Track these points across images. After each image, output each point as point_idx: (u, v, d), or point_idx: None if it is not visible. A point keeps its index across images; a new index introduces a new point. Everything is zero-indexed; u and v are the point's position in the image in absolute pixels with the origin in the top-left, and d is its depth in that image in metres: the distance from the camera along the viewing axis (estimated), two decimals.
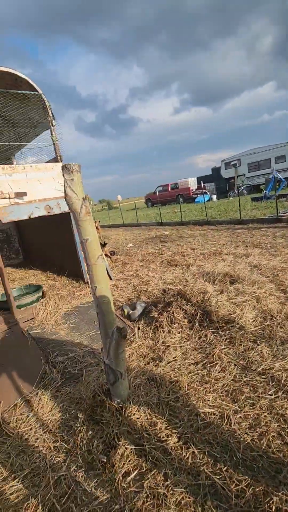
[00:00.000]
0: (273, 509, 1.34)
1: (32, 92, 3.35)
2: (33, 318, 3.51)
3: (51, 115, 3.34)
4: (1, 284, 3.56)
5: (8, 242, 7.57)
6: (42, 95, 3.40)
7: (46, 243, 6.04)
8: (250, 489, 1.45)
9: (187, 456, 1.67)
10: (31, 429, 2.11)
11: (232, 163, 21.75)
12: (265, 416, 1.87)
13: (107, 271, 3.93)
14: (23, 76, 3.37)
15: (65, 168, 1.65)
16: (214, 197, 22.15)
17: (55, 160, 3.77)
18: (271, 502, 1.37)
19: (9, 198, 3.16)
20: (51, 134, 3.35)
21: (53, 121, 3.30)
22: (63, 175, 1.65)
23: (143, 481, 1.56)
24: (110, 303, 1.86)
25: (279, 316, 2.99)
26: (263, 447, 1.66)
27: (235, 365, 2.42)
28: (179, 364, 2.54)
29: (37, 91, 3.41)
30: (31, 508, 1.51)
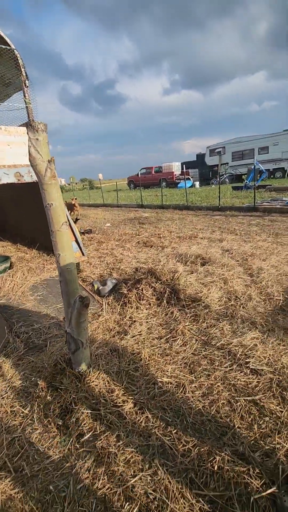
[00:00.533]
0: (215, 468, 1.44)
1: (3, 47, 3.08)
2: None
3: (24, 74, 3.10)
4: None
5: None
6: (15, 50, 3.12)
7: (17, 214, 5.81)
8: (196, 449, 1.55)
9: (140, 420, 1.75)
10: None
11: (216, 150, 21.76)
12: (218, 385, 1.97)
13: (79, 246, 3.88)
14: None
15: (29, 126, 1.56)
16: (197, 183, 22.21)
17: (27, 124, 3.51)
18: (214, 461, 1.47)
19: None
20: (24, 96, 3.13)
21: (27, 81, 3.07)
22: (27, 133, 1.57)
23: (96, 442, 1.62)
24: (74, 272, 1.84)
25: (243, 297, 3.11)
26: (212, 413, 1.76)
27: (196, 340, 2.51)
28: (143, 338, 2.60)
29: (9, 46, 3.13)
30: None
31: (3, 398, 2.05)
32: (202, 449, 1.54)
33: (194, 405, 1.83)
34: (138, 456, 1.53)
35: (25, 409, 1.90)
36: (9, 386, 2.16)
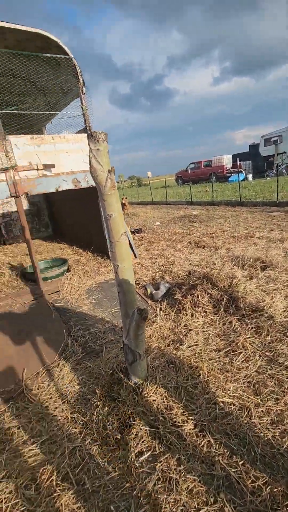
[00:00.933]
0: None
1: (62, 56, 3.18)
2: (58, 291, 3.58)
3: (81, 81, 3.16)
4: (29, 256, 3.64)
5: (38, 215, 7.75)
6: (73, 59, 3.20)
7: (74, 217, 6.08)
8: (268, 488, 1.38)
9: (202, 444, 1.63)
10: (51, 397, 2.18)
11: (272, 139, 20.11)
12: None
13: (132, 249, 3.86)
14: (53, 38, 3.19)
15: (90, 136, 1.53)
16: (250, 176, 20.85)
17: (84, 130, 3.64)
18: None
19: (37, 169, 3.12)
20: (81, 103, 3.19)
21: (84, 88, 3.13)
22: (88, 144, 1.54)
23: (155, 463, 1.55)
24: (132, 283, 1.78)
25: None
26: (285, 446, 1.56)
27: (260, 356, 2.29)
28: (200, 349, 2.47)
29: (68, 55, 3.23)
30: (46, 474, 1.56)
31: (63, 402, 2.11)
32: (276, 490, 1.37)
33: (262, 434, 1.65)
34: (201, 486, 1.42)
35: (84, 417, 1.92)
36: (68, 390, 2.22)
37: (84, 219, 5.32)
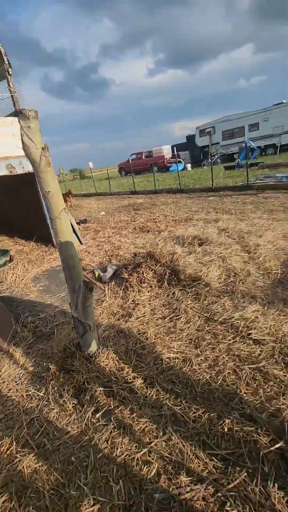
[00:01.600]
0: (226, 430, 1.53)
1: None
2: (1, 282, 3.45)
3: (6, 62, 3.02)
4: None
5: None
6: None
7: (12, 207, 5.77)
8: (206, 415, 1.64)
9: (151, 394, 1.83)
10: (3, 382, 2.17)
11: (206, 130, 21.39)
12: (223, 357, 2.06)
13: (77, 236, 3.89)
14: None
15: (20, 113, 1.55)
16: (189, 166, 21.96)
17: (15, 114, 3.48)
18: (223, 424, 1.56)
19: None
20: (8, 85, 3.06)
21: (10, 70, 3.00)
22: (18, 121, 1.56)
23: (110, 416, 1.70)
24: (76, 257, 1.87)
25: (242, 273, 3.18)
26: (219, 382, 1.85)
27: (199, 317, 2.59)
28: (148, 319, 2.68)
29: None
30: (5, 446, 1.61)
31: (17, 383, 2.12)
32: (212, 415, 1.63)
33: (201, 377, 1.92)
34: (152, 425, 1.62)
35: (40, 392, 1.98)
36: (22, 373, 2.23)
37: (24, 208, 5.11)
